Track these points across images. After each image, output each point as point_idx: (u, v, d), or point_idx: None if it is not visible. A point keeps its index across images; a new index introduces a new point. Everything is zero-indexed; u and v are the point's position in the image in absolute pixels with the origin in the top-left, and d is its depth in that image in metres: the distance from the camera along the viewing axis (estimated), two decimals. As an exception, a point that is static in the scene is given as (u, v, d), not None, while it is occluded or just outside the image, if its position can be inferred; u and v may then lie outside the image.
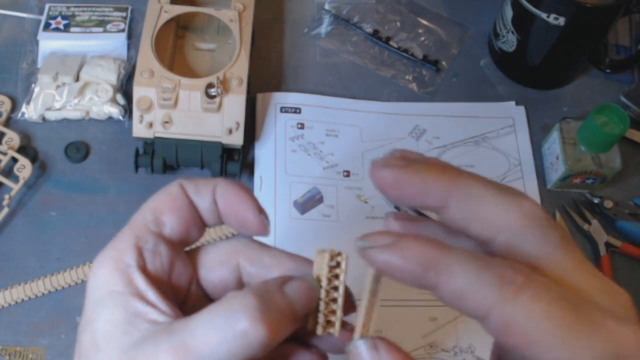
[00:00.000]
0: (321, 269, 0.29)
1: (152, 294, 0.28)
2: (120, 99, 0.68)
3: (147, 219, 0.30)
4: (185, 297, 0.31)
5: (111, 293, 0.28)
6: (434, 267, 0.25)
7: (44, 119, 0.67)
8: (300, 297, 0.28)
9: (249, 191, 0.31)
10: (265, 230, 0.31)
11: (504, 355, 0.28)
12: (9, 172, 0.64)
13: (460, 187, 0.27)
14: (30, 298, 0.59)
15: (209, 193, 0.31)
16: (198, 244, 0.32)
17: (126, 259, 0.29)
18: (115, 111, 0.67)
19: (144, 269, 0.29)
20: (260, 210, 0.31)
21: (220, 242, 0.32)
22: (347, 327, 0.30)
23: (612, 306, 0.25)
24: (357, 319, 0.28)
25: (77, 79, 0.68)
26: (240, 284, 0.31)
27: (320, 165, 0.67)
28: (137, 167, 0.63)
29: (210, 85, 0.62)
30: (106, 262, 0.29)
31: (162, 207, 0.31)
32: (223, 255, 0.31)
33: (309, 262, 0.30)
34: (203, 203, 0.31)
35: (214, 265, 0.31)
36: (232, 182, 0.31)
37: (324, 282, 0.29)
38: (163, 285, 0.29)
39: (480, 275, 0.24)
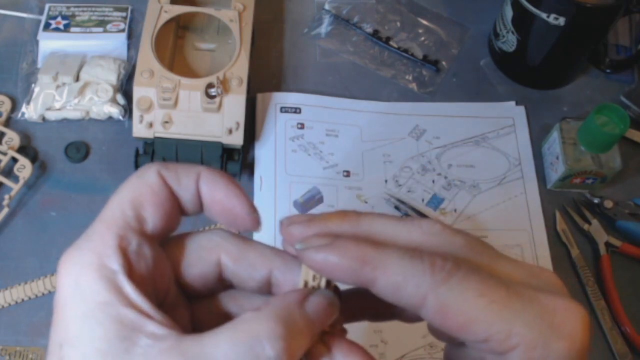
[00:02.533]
0: (308, 274, 0.28)
1: (144, 303, 0.25)
2: (120, 99, 0.68)
3: (127, 215, 0.27)
4: (165, 296, 0.29)
5: (99, 305, 0.25)
6: (370, 263, 0.26)
7: (44, 119, 0.67)
8: (320, 315, 0.27)
9: (236, 181, 0.29)
10: (257, 226, 0.29)
11: (450, 349, 0.29)
12: (9, 172, 0.64)
13: (362, 224, 0.28)
14: (30, 298, 0.59)
15: (192, 182, 0.29)
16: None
17: (111, 265, 0.26)
18: (115, 111, 0.67)
19: (131, 275, 0.26)
20: (251, 204, 0.29)
21: (198, 234, 0.30)
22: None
23: (540, 284, 0.27)
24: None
25: (77, 79, 0.68)
26: (220, 279, 0.29)
27: (320, 165, 0.67)
28: (137, 167, 0.63)
29: (210, 85, 0.62)
30: (86, 268, 0.26)
31: (143, 201, 0.28)
32: (203, 251, 0.29)
33: (296, 259, 0.29)
34: (185, 193, 0.29)
35: (194, 261, 0.29)
36: (216, 172, 0.29)
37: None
38: (149, 289, 0.27)
39: (413, 266, 0.26)
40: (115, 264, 0.26)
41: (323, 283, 0.28)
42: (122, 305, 0.25)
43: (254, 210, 0.29)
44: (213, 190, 0.29)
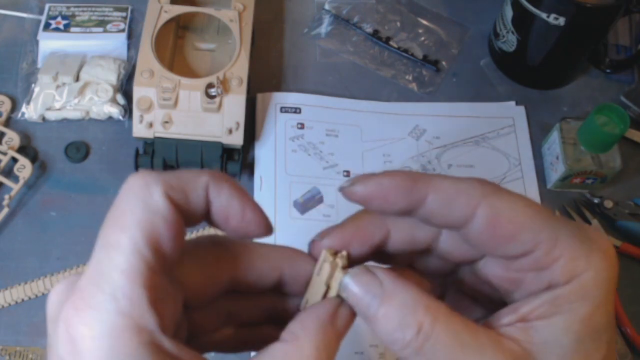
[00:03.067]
0: (324, 266, 0.28)
1: (184, 354, 0.24)
2: (120, 99, 0.68)
3: (148, 259, 0.24)
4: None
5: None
6: (421, 180, 0.27)
7: (44, 119, 0.67)
8: (347, 325, 0.28)
9: (242, 187, 0.28)
10: (270, 232, 0.28)
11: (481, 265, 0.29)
12: (9, 172, 0.64)
13: (428, 182, 0.28)
14: (30, 298, 0.59)
15: (201, 197, 0.26)
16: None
17: (147, 326, 0.23)
18: (115, 111, 0.67)
19: (163, 325, 0.24)
20: (262, 210, 0.28)
21: (267, 249, 0.29)
22: None
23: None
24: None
25: (77, 79, 0.68)
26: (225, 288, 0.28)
27: (320, 165, 0.67)
28: (137, 167, 0.63)
29: (210, 85, 0.62)
30: (121, 335, 0.23)
31: (159, 237, 0.24)
32: (270, 267, 0.29)
33: (303, 254, 0.30)
34: (194, 209, 0.26)
35: (260, 275, 0.29)
36: (223, 179, 0.27)
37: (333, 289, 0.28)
38: (174, 325, 0.26)
39: (462, 181, 0.27)
40: (151, 323, 0.23)
41: (341, 263, 0.28)
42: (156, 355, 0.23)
43: (265, 215, 0.28)
44: (223, 198, 0.27)
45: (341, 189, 0.28)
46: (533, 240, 0.26)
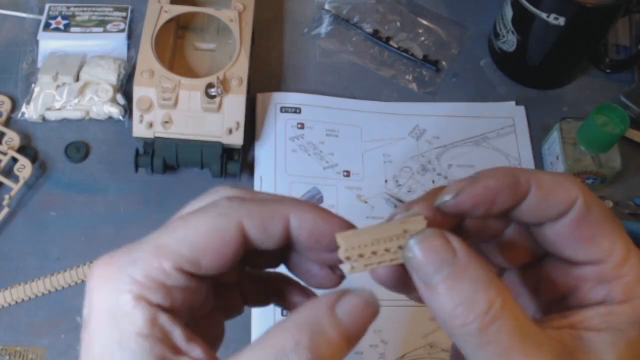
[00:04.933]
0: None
1: (181, 340, 0.25)
2: (120, 99, 0.68)
3: (183, 256, 0.26)
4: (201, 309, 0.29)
5: (135, 336, 0.25)
6: (522, 174, 0.27)
7: (44, 119, 0.67)
8: (354, 319, 0.25)
9: (326, 212, 0.28)
10: None
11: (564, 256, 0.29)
12: (9, 172, 0.64)
13: (529, 176, 0.28)
14: (30, 298, 0.59)
15: (279, 229, 0.27)
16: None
17: (151, 298, 0.25)
18: (115, 111, 0.67)
19: (169, 307, 0.26)
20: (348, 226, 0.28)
21: (269, 199, 0.28)
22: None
23: None
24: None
25: (77, 79, 0.68)
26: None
27: (320, 165, 0.67)
28: (137, 167, 0.63)
29: (210, 85, 0.62)
30: (125, 295, 0.25)
31: (207, 249, 0.26)
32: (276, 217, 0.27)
33: (307, 205, 0.28)
34: (267, 241, 0.27)
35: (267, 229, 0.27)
36: (307, 210, 0.27)
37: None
38: (186, 316, 0.27)
39: (561, 174, 0.27)
40: (156, 297, 0.25)
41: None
42: (158, 341, 0.25)
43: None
44: (308, 233, 0.27)
45: (444, 204, 0.27)
46: (609, 249, 0.26)
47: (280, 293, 0.33)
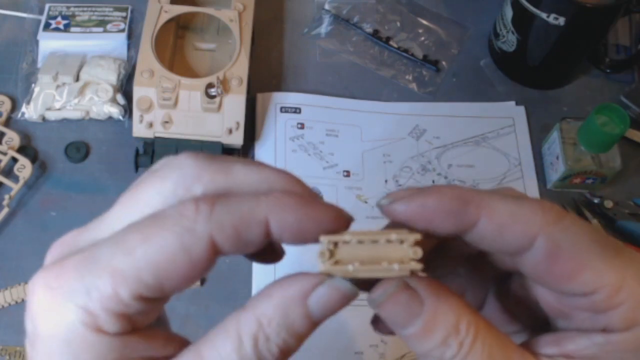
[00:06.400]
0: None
1: (149, 352, 0.24)
2: (120, 99, 0.68)
3: (143, 282, 0.22)
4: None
5: None
6: (473, 201, 0.24)
7: (44, 119, 0.67)
8: (327, 311, 0.23)
9: (311, 198, 0.24)
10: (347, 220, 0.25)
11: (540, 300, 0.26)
12: (9, 172, 0.64)
13: (480, 205, 0.25)
14: (30, 298, 0.59)
15: (258, 236, 0.23)
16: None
17: (110, 329, 0.22)
18: (115, 111, 0.67)
19: (132, 332, 0.23)
20: (335, 213, 0.24)
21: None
22: None
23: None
24: None
25: (77, 79, 0.68)
26: None
27: (320, 165, 0.67)
28: (137, 167, 0.63)
29: (210, 85, 0.62)
30: (78, 327, 0.22)
31: (170, 271, 0.22)
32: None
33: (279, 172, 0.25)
34: (243, 251, 0.23)
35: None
36: (294, 206, 0.23)
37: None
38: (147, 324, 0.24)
39: (521, 204, 0.24)
40: (115, 327, 0.22)
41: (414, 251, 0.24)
42: None
43: (341, 216, 0.24)
44: (292, 236, 0.23)
45: (379, 206, 0.25)
46: (595, 282, 0.23)
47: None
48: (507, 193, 0.25)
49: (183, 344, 0.24)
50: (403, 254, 0.23)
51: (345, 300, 0.24)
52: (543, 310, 0.27)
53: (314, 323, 0.23)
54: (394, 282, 0.24)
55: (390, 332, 0.26)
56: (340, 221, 0.24)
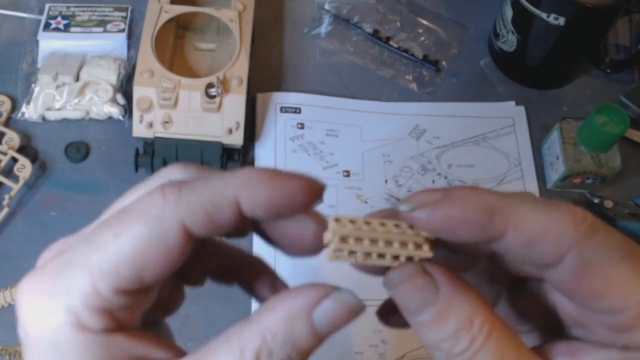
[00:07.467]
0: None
1: (136, 350, 0.23)
2: (120, 99, 0.68)
3: (120, 275, 0.22)
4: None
5: None
6: (500, 212, 0.22)
7: (44, 119, 0.67)
8: (333, 326, 0.23)
9: (279, 173, 0.23)
10: (318, 189, 0.24)
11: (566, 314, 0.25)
12: (9, 172, 0.64)
13: (508, 216, 0.23)
14: (30, 298, 0.59)
15: (229, 217, 0.22)
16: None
17: (94, 325, 0.23)
18: (115, 111, 0.67)
19: (121, 325, 0.23)
20: (308, 184, 0.23)
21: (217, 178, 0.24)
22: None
23: None
24: None
25: (77, 79, 0.68)
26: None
27: (320, 165, 0.67)
28: (137, 167, 0.63)
29: (210, 85, 0.62)
30: (64, 327, 0.22)
31: (146, 261, 0.22)
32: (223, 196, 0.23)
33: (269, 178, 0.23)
34: (218, 232, 0.23)
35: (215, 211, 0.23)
36: (264, 180, 0.22)
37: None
38: (136, 321, 0.24)
39: (552, 215, 0.22)
40: (99, 323, 0.23)
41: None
42: None
43: (315, 189, 0.23)
44: (265, 211, 0.23)
45: (399, 211, 0.24)
46: (622, 301, 0.22)
47: (247, 277, 0.29)
48: (535, 199, 0.23)
49: (182, 353, 0.24)
50: (415, 239, 0.23)
51: (352, 315, 0.23)
52: (560, 316, 0.26)
53: (319, 338, 0.23)
54: (412, 265, 0.23)
55: (394, 325, 0.26)
56: (312, 190, 0.23)
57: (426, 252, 0.23)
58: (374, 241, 0.23)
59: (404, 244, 0.23)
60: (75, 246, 0.24)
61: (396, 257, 0.24)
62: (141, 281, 0.23)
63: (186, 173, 0.24)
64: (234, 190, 0.22)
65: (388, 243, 0.23)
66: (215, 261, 0.29)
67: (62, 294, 0.23)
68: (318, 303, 0.23)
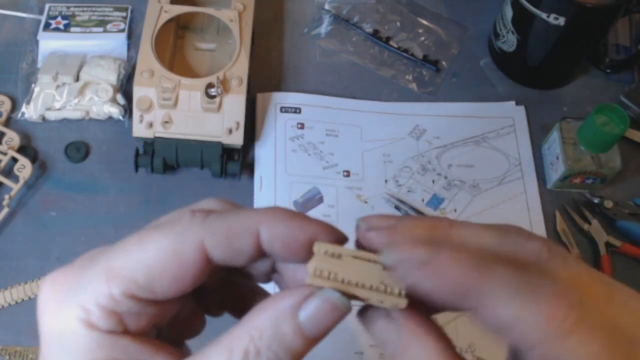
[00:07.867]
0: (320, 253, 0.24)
1: (142, 357, 0.24)
2: (120, 99, 0.68)
3: (134, 280, 0.24)
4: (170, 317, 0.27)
5: None
6: (475, 292, 0.22)
7: (44, 119, 0.67)
8: (319, 325, 0.23)
9: (302, 216, 0.24)
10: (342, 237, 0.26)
11: None
12: (9, 172, 0.64)
13: (454, 237, 0.24)
14: (30, 298, 0.59)
15: (249, 245, 0.24)
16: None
17: (101, 325, 0.24)
18: (115, 111, 0.67)
19: (128, 331, 0.24)
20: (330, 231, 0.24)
21: (239, 211, 0.26)
22: None
23: None
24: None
25: (77, 79, 0.68)
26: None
27: (320, 165, 0.67)
28: (137, 167, 0.63)
29: (210, 85, 0.62)
30: (73, 322, 0.24)
31: (161, 273, 0.24)
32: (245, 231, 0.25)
33: (281, 215, 0.25)
34: (235, 260, 0.24)
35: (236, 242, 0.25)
36: (285, 217, 0.24)
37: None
38: (145, 330, 0.25)
39: (527, 306, 0.21)
40: (106, 324, 0.24)
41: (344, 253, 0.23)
42: None
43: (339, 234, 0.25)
44: (282, 244, 0.24)
45: (382, 257, 0.24)
46: None
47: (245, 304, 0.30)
48: (522, 275, 0.22)
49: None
50: (392, 282, 0.24)
51: (337, 313, 0.23)
52: None
53: (306, 338, 0.23)
54: (378, 310, 0.24)
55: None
56: (333, 235, 0.24)
57: (401, 301, 0.24)
58: (354, 284, 0.24)
59: (381, 288, 0.24)
60: (107, 249, 0.25)
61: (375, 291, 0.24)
62: (152, 291, 0.24)
63: (220, 205, 0.26)
64: (256, 221, 0.24)
65: (366, 286, 0.24)
66: (234, 295, 0.30)
67: (80, 289, 0.24)
68: (304, 302, 0.23)
